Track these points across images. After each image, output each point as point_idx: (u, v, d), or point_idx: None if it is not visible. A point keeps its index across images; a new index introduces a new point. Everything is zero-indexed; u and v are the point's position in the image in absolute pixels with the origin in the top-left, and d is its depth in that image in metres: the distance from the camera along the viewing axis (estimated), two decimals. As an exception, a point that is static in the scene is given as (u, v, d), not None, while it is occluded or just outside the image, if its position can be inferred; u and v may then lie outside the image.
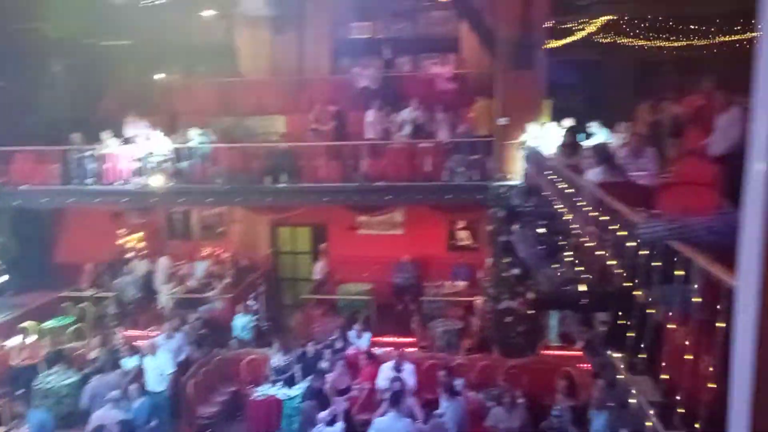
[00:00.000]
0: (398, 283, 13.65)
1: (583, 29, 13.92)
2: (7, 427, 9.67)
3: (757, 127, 1.28)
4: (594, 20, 13.86)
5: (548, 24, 12.07)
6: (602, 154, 6.77)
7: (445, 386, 8.53)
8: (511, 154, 11.50)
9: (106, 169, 13.49)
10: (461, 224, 14.36)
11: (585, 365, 9.35)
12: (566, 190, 6.76)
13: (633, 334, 3.89)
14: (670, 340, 3.45)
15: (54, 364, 10.51)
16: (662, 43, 14.25)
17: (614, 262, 4.61)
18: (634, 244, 4.04)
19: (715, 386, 2.80)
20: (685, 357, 3.17)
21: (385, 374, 9.68)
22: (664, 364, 3.51)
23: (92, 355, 10.94)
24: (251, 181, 12.98)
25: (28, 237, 14.49)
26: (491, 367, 10.19)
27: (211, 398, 10.48)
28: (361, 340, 11.06)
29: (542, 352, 10.91)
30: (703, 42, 13.83)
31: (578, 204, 6.02)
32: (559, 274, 5.50)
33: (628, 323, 3.99)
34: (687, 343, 3.18)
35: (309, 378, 9.81)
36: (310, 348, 10.55)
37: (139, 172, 13.38)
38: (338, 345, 10.87)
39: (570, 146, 9.19)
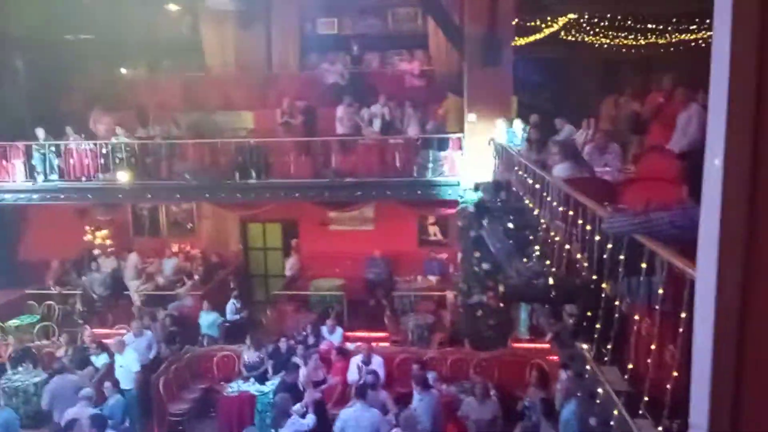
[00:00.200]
0: (370, 278, 13.74)
1: (547, 27, 14.15)
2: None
3: (713, 123, 1.37)
4: (558, 19, 14.09)
5: (514, 22, 12.25)
6: (568, 150, 6.94)
7: (418, 380, 8.64)
8: (479, 150, 11.65)
9: (71, 164, 13.27)
10: (432, 219, 14.52)
11: (555, 357, 9.61)
12: (534, 186, 6.91)
13: (600, 326, 4.02)
14: (636, 330, 3.58)
15: (20, 362, 10.35)
16: (624, 42, 14.57)
17: (581, 256, 4.74)
18: (600, 238, 4.17)
19: (679, 375, 2.93)
20: (651, 347, 3.30)
21: (353, 367, 9.79)
22: (630, 354, 3.64)
23: (60, 353, 10.77)
24: (220, 177, 12.90)
25: (-9, 234, 14.21)
26: (463, 360, 10.36)
27: (183, 395, 10.43)
28: (333, 336, 11.12)
29: (513, 345, 11.14)
30: (663, 41, 14.19)
31: (546, 199, 6.17)
32: (528, 267, 5.63)
33: (596, 315, 4.11)
34: (652, 333, 3.31)
35: (281, 374, 9.84)
36: (283, 344, 10.58)
37: (104, 168, 13.18)
38: (311, 340, 10.92)
39: (537, 142, 9.40)
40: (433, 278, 13.73)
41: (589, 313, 4.25)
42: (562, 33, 14.17)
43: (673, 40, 13.76)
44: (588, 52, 15.01)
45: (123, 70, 16.28)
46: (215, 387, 10.63)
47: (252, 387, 9.94)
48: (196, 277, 13.87)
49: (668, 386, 3.02)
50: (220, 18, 15.21)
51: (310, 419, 8.08)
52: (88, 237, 14.85)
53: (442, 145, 12.29)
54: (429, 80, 14.57)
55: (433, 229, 14.66)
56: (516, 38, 12.68)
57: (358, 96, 13.63)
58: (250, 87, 15.20)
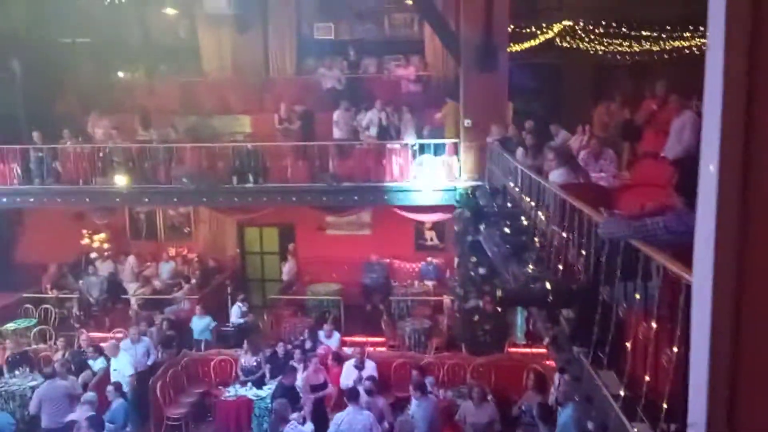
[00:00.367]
0: (367, 283, 13.78)
1: (543, 34, 14.26)
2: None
3: (707, 129, 1.41)
4: (553, 25, 14.20)
5: (509, 28, 12.34)
6: (564, 156, 7.01)
7: (416, 385, 8.67)
8: (475, 155, 11.72)
9: (68, 168, 13.29)
10: (428, 224, 14.57)
11: (551, 362, 9.67)
12: (530, 191, 6.97)
13: (597, 330, 4.07)
14: (633, 335, 3.63)
15: (17, 366, 10.35)
16: (618, 48, 14.70)
17: (578, 261, 4.80)
18: (597, 243, 4.23)
19: (675, 378, 2.97)
20: (647, 351, 3.34)
21: (347, 372, 9.84)
22: (627, 358, 3.69)
23: (56, 357, 10.77)
24: (218, 182, 12.94)
25: (-13, 237, 14.21)
26: (460, 365, 10.40)
27: (180, 400, 10.44)
28: (330, 340, 11.15)
29: (509, 349, 11.19)
30: (656, 47, 14.31)
31: (542, 204, 6.23)
32: (525, 272, 5.69)
33: (593, 319, 4.16)
34: (649, 337, 3.36)
35: (279, 378, 9.85)
36: (280, 348, 10.60)
37: (101, 171, 13.21)
38: (308, 345, 10.95)
39: (532, 148, 9.47)
40: (429, 283, 13.78)
41: (585, 318, 4.29)
42: (557, 39, 14.28)
43: (667, 47, 13.88)
44: (582, 59, 15.12)
45: (120, 74, 16.30)
46: (212, 391, 10.64)
47: (249, 391, 9.96)
48: (193, 281, 13.88)
49: (665, 390, 3.06)
50: (218, 22, 15.28)
51: (309, 428, 8.12)
52: (85, 240, 14.86)
53: (439, 150, 12.35)
54: (425, 86, 14.65)
55: (429, 234, 14.72)
56: (511, 44, 12.76)
57: (355, 101, 13.70)
58: (248, 91, 15.26)
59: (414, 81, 14.60)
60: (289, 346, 10.82)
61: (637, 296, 3.55)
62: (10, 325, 12.59)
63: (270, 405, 9.34)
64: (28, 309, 13.37)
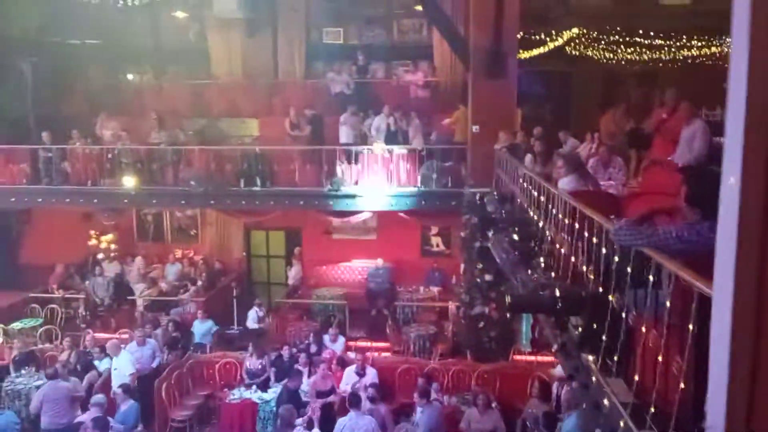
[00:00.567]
0: (372, 287, 13.77)
1: (552, 41, 14.28)
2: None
3: (730, 140, 1.41)
4: (562, 33, 14.22)
5: (519, 35, 12.35)
6: (573, 163, 7.00)
7: (420, 392, 8.64)
8: (484, 162, 11.71)
9: (76, 169, 13.35)
10: (435, 230, 14.58)
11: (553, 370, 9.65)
12: (539, 198, 6.96)
13: (606, 338, 4.06)
14: (643, 342, 3.62)
15: (24, 365, 10.38)
16: (627, 57, 14.70)
17: (587, 268, 4.79)
18: (607, 250, 4.22)
19: (686, 386, 2.96)
20: (657, 359, 3.33)
21: (347, 378, 9.83)
22: (636, 366, 3.68)
23: (62, 357, 10.79)
24: (225, 184, 12.98)
25: (-5, 237, 14.29)
26: (464, 371, 10.37)
27: (184, 402, 10.44)
28: (335, 345, 11.15)
29: (514, 357, 11.16)
30: (665, 56, 14.30)
31: (551, 211, 6.22)
32: (533, 279, 5.68)
33: (602, 327, 4.15)
34: (658, 345, 3.35)
35: (284, 381, 9.85)
36: (285, 352, 10.60)
37: (110, 173, 13.27)
38: (313, 349, 10.95)
39: (541, 155, 9.47)
40: (435, 289, 13.77)
41: (594, 325, 4.29)
42: (566, 47, 14.30)
43: (675, 56, 13.88)
44: (591, 66, 15.13)
45: (129, 76, 16.40)
46: (217, 394, 10.64)
47: (254, 394, 9.96)
48: (200, 283, 13.91)
49: (675, 398, 3.05)
50: (228, 26, 15.37)
51: (315, 433, 8.13)
52: (92, 241, 14.92)
53: (447, 155, 12.37)
54: (433, 91, 14.67)
55: (435, 240, 14.72)
56: (520, 51, 12.77)
57: (363, 105, 13.73)
58: (256, 94, 15.33)
59: (422, 86, 14.64)
60: (294, 350, 10.82)
61: (648, 304, 3.54)
62: (17, 325, 12.64)
63: (274, 408, 9.35)
64: (35, 309, 13.42)
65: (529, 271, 6.05)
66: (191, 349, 11.65)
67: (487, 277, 11.11)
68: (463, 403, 9.45)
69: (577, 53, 14.46)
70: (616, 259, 4.02)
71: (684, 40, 13.29)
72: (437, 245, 14.76)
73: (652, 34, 13.31)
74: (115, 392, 9.06)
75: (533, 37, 13.83)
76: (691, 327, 2.88)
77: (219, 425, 10.08)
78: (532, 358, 11.12)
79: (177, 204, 13.85)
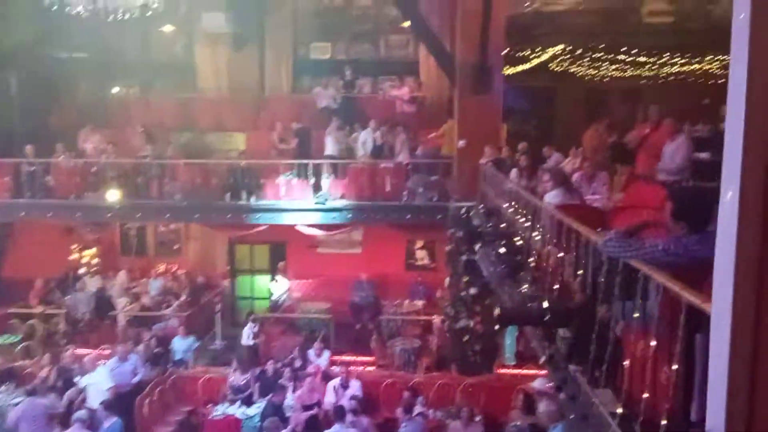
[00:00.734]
0: (356, 301, 13.73)
1: (536, 58, 14.47)
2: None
3: (728, 155, 1.43)
4: (547, 49, 14.42)
5: (504, 51, 12.50)
6: (559, 177, 7.07)
7: (405, 407, 8.62)
8: (470, 176, 11.78)
9: (60, 182, 13.22)
10: (419, 244, 14.59)
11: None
12: (525, 212, 7.02)
13: (594, 349, 4.09)
14: (631, 353, 3.64)
15: (2, 382, 10.17)
16: (610, 73, 14.93)
17: (574, 281, 4.83)
18: (594, 263, 4.26)
19: (675, 395, 2.99)
20: (645, 369, 3.36)
21: (331, 391, 9.78)
22: (624, 376, 3.70)
23: (42, 373, 10.60)
24: (211, 198, 12.92)
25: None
26: (450, 385, 10.36)
27: (167, 418, 10.30)
28: (320, 359, 11.08)
29: (498, 370, 11.16)
30: (648, 73, 14.54)
31: (537, 225, 6.27)
32: (521, 291, 5.71)
33: (589, 338, 4.18)
34: (647, 356, 3.38)
35: (268, 396, 9.78)
36: (270, 367, 10.52)
37: (93, 187, 13.15)
38: (297, 364, 10.88)
39: (526, 169, 9.56)
40: (419, 303, 13.75)
41: (582, 337, 4.31)
42: (551, 63, 14.49)
43: (658, 73, 14.13)
44: (575, 83, 15.34)
45: (116, 89, 16.34)
46: (200, 410, 10.51)
47: (238, 410, 9.87)
48: (183, 297, 13.78)
49: (663, 407, 3.07)
50: (215, 40, 15.38)
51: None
52: (74, 256, 14.73)
53: (433, 170, 12.44)
54: (419, 106, 14.77)
55: (420, 254, 14.73)
56: (506, 67, 12.91)
57: (350, 120, 13.78)
58: (243, 108, 15.32)
59: (408, 101, 14.72)
60: (279, 365, 10.74)
61: (636, 315, 3.57)
62: (-5, 340, 12.42)
63: (259, 424, 9.26)
64: (14, 324, 13.18)
65: (516, 284, 6.08)
66: (171, 365, 11.48)
67: (472, 291, 11.14)
68: (448, 417, 9.43)
69: (561, 69, 14.66)
70: (604, 271, 4.05)
71: (666, 58, 13.55)
72: (422, 259, 14.77)
73: (635, 51, 13.56)
74: (93, 409, 8.91)
75: (518, 53, 14.01)
76: (680, 337, 2.91)
77: (203, 441, 9.96)
78: (516, 371, 11.12)
79: (162, 218, 13.75)
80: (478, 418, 9.10)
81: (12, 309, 13.47)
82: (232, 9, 14.63)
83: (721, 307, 1.41)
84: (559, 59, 14.29)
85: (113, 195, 12.91)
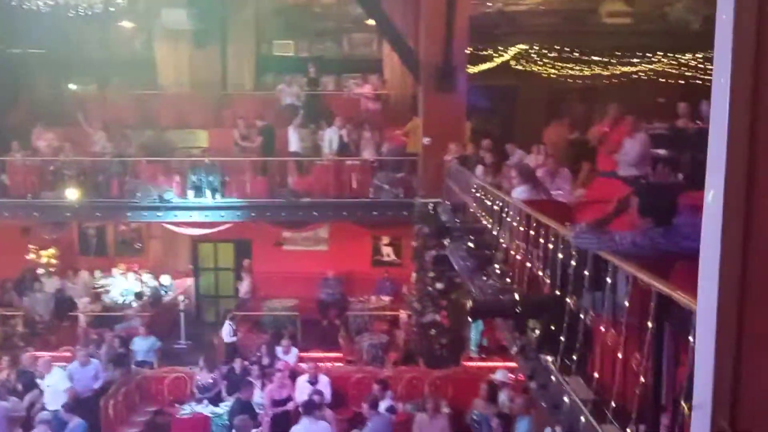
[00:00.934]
0: (323, 298, 13.77)
1: (499, 57, 14.71)
2: None
3: (713, 154, 1.49)
4: (509, 49, 14.67)
5: (467, 50, 12.68)
6: (526, 173, 7.26)
7: (370, 403, 8.66)
8: (434, 173, 11.93)
9: (15, 181, 12.87)
10: (385, 240, 14.70)
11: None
12: (492, 207, 7.17)
13: (565, 339, 4.23)
14: (601, 342, 3.79)
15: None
16: (570, 72, 15.29)
17: (543, 273, 4.98)
18: (563, 255, 4.41)
19: (645, 380, 3.13)
20: (616, 357, 3.50)
21: (301, 387, 9.81)
22: (595, 364, 3.85)
23: (2, 376, 10.33)
24: (173, 196, 12.75)
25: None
26: (418, 378, 10.50)
27: (132, 419, 10.17)
28: (288, 356, 11.08)
29: (465, 363, 11.35)
30: (606, 72, 14.95)
31: (505, 219, 6.42)
32: (492, 284, 5.85)
33: (560, 328, 4.32)
34: (617, 344, 3.52)
35: (236, 394, 9.73)
36: (237, 364, 10.47)
37: (51, 186, 12.85)
38: (265, 361, 10.85)
39: (492, 166, 9.75)
40: (386, 298, 13.87)
41: (553, 327, 4.46)
42: (513, 62, 14.76)
43: (615, 72, 14.54)
44: (536, 81, 15.66)
45: (73, 86, 15.95)
46: (166, 409, 10.41)
47: (206, 409, 9.80)
48: (145, 297, 13.58)
49: (635, 392, 3.20)
50: (176, 36, 15.13)
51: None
52: (31, 256, 14.35)
53: (399, 167, 12.54)
54: (384, 104, 14.85)
55: (386, 250, 14.85)
56: (469, 66, 13.10)
57: (315, 117, 13.78)
58: (205, 106, 15.15)
59: (372, 99, 14.79)
60: (246, 363, 10.70)
61: (605, 305, 3.72)
62: (-50, 344, 12.02)
63: (227, 422, 9.22)
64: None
65: (487, 278, 6.22)
66: (133, 367, 11.29)
67: (439, 286, 11.33)
68: (418, 410, 9.55)
69: (523, 68, 14.95)
70: (573, 263, 4.20)
71: (624, 57, 13.95)
72: (388, 255, 14.90)
73: (594, 51, 13.92)
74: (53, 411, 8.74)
75: (481, 52, 14.22)
76: (650, 325, 3.05)
77: (171, 441, 9.86)
78: (483, 363, 11.32)
79: (123, 217, 13.51)
80: (446, 410, 9.24)
81: (-33, 311, 13.06)
82: (194, 5, 14.44)
83: (706, 306, 1.49)
84: (520, 58, 14.56)
85: (72, 194, 12.63)
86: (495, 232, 6.83)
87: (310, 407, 8.26)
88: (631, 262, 3.42)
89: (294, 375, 10.24)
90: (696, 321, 1.56)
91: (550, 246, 4.80)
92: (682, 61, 13.89)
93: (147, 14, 14.89)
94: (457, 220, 8.60)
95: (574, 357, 4.11)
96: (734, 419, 1.39)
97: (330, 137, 13.01)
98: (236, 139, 13.41)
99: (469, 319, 9.98)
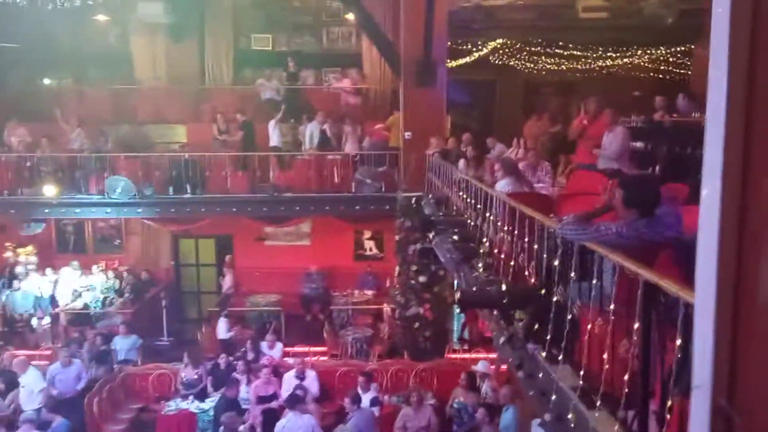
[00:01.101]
0: (306, 293, 13.80)
1: (477, 51, 14.80)
2: None
3: (709, 149, 1.52)
4: (487, 43, 14.78)
5: (447, 44, 12.75)
6: (510, 166, 7.37)
7: (352, 398, 8.70)
8: (416, 167, 12.01)
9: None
10: (367, 234, 14.76)
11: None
12: (476, 200, 7.27)
13: (552, 328, 4.33)
14: (589, 330, 3.89)
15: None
16: (547, 66, 15.45)
17: (528, 264, 5.09)
18: (549, 246, 4.51)
19: (634, 366, 3.24)
20: (603, 344, 3.60)
21: (288, 382, 9.85)
22: (583, 352, 3.94)
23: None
24: (153, 192, 12.67)
25: None
26: (403, 371, 10.60)
27: (117, 416, 10.12)
28: (273, 351, 11.11)
29: (449, 355, 11.49)
30: (582, 66, 15.13)
31: (490, 212, 6.52)
32: (478, 276, 5.95)
33: (547, 318, 4.43)
34: (604, 332, 3.62)
35: (222, 390, 9.74)
36: (222, 360, 10.47)
37: (29, 182, 12.68)
38: (250, 356, 10.86)
39: (473, 159, 9.84)
40: (369, 292, 13.95)
41: (540, 317, 4.56)
42: (491, 57, 14.87)
43: (592, 66, 14.74)
44: (514, 76, 15.80)
45: (47, 81, 15.71)
46: (151, 406, 10.38)
47: (191, 405, 9.79)
48: (126, 294, 13.48)
49: (624, 378, 3.30)
50: (152, 30, 14.96)
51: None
52: (7, 254, 14.14)
53: (380, 161, 12.60)
54: (364, 98, 14.87)
55: (369, 244, 14.91)
56: (448, 60, 13.18)
57: (295, 112, 13.76)
58: (183, 100, 15.02)
59: (353, 93, 14.80)
60: (231, 358, 10.70)
61: (592, 294, 3.82)
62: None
63: (213, 417, 9.23)
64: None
65: (473, 269, 6.32)
66: (115, 366, 11.21)
67: (422, 279, 11.42)
68: (403, 402, 9.65)
69: (501, 63, 15.07)
70: (559, 253, 4.30)
71: (600, 52, 14.16)
72: (370, 249, 14.96)
73: (571, 45, 14.10)
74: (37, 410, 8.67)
75: (460, 47, 14.31)
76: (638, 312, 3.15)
77: (156, 437, 9.82)
78: (466, 355, 11.47)
79: (102, 214, 13.37)
80: (432, 402, 9.35)
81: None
82: (170, -1, 14.30)
83: (704, 300, 1.54)
84: (498, 53, 14.68)
85: (50, 190, 12.48)
86: (479, 225, 6.93)
87: (294, 402, 8.30)
88: (616, 251, 3.52)
89: (277, 370, 10.27)
90: (695, 301, 1.64)
91: (536, 237, 4.91)
92: (658, 55, 14.13)
93: (123, 7, 14.69)
94: (441, 214, 8.68)
95: (562, 346, 4.21)
96: (733, 397, 1.47)
97: (311, 132, 13.01)
98: (215, 134, 13.32)
99: (457, 310, 10.13)
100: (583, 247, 3.88)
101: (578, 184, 8.16)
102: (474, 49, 14.46)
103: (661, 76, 14.83)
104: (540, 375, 4.50)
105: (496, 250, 6.09)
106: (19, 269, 13.74)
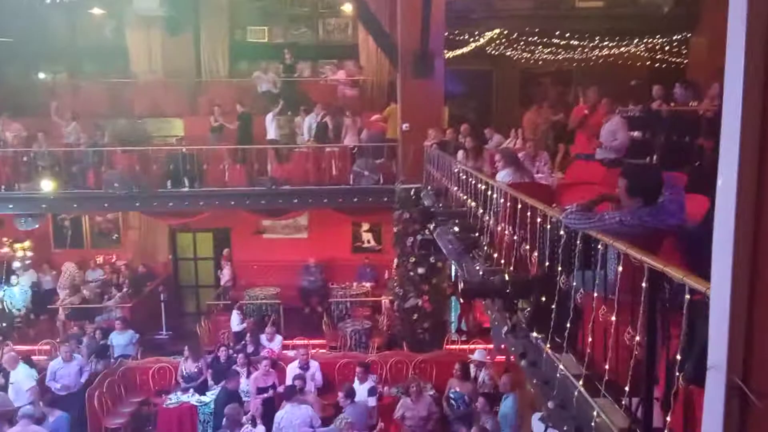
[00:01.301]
0: (305, 285, 13.81)
1: (474, 42, 14.75)
2: None
3: (726, 140, 1.52)
4: (484, 34, 14.72)
5: (444, 35, 12.71)
6: (510, 157, 7.36)
7: (346, 393, 8.71)
8: (414, 158, 11.99)
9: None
10: (365, 227, 14.77)
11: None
12: (476, 191, 7.26)
13: (555, 317, 4.34)
14: (593, 318, 3.90)
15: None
16: (543, 56, 15.41)
17: (531, 253, 5.09)
18: (552, 234, 4.52)
19: (638, 354, 3.25)
20: (607, 332, 3.61)
21: (291, 373, 9.87)
22: (586, 341, 3.96)
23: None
24: (151, 186, 12.64)
25: None
26: (402, 362, 10.63)
27: (118, 410, 10.13)
28: (272, 343, 11.12)
29: (447, 346, 11.52)
30: (579, 56, 15.10)
31: (491, 203, 6.52)
32: (481, 266, 5.96)
33: (550, 307, 4.44)
34: (608, 320, 3.63)
35: (222, 383, 9.75)
36: (222, 353, 10.47)
37: (26, 177, 12.62)
38: (249, 349, 10.88)
39: (472, 150, 9.84)
40: (367, 284, 13.97)
41: (543, 306, 4.57)
42: (488, 47, 14.81)
43: (589, 56, 14.70)
44: (510, 66, 15.77)
45: (42, 75, 15.62)
46: (152, 400, 10.39)
47: (192, 398, 9.80)
48: (125, 289, 13.46)
49: (628, 366, 3.31)
50: (147, 23, 14.91)
51: (260, 430, 8.13)
52: (5, 249, 14.10)
53: (378, 153, 12.58)
54: (361, 90, 14.84)
55: (366, 236, 14.92)
56: (445, 51, 13.14)
57: (292, 104, 13.73)
58: (179, 93, 14.98)
59: (349, 85, 14.76)
60: (231, 351, 10.71)
61: (596, 282, 3.83)
62: (-75, 340, 11.78)
63: (214, 410, 9.24)
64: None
65: (475, 260, 6.33)
66: (113, 362, 11.17)
67: (420, 270, 11.44)
68: (402, 393, 9.68)
69: (498, 53, 15.02)
70: (562, 242, 4.31)
71: (597, 41, 14.13)
72: (368, 241, 14.97)
73: (567, 35, 14.05)
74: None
75: (457, 37, 14.25)
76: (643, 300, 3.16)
77: (157, 430, 9.84)
78: (464, 346, 11.50)
79: (100, 208, 13.33)
80: (432, 392, 9.38)
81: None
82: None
83: (720, 290, 1.55)
84: (495, 43, 14.63)
85: (47, 185, 12.43)
86: (480, 216, 6.93)
87: (291, 393, 8.32)
88: (620, 240, 3.53)
89: (275, 363, 10.28)
90: (711, 285, 1.65)
91: (538, 227, 4.91)
92: (655, 43, 14.10)
93: (118, 0, 14.61)
94: (440, 205, 8.68)
95: (565, 334, 4.22)
96: (747, 377, 1.49)
97: (309, 124, 12.98)
98: (212, 123, 13.27)
99: (461, 300, 10.14)
100: (586, 236, 3.89)
101: (578, 174, 8.20)
102: (471, 39, 14.40)
103: (657, 64, 14.82)
104: (543, 363, 4.51)
105: (498, 240, 6.10)
106: (16, 264, 13.69)
